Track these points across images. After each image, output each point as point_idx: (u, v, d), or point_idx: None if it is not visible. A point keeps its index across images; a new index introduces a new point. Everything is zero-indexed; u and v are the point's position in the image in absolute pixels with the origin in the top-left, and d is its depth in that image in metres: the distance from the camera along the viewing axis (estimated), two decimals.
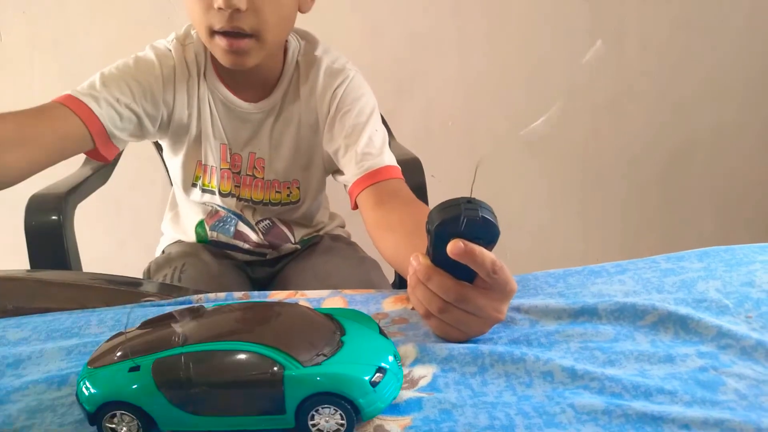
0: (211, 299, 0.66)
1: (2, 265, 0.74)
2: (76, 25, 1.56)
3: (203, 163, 0.94)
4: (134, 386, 0.43)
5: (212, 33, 0.79)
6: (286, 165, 0.95)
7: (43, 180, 0.97)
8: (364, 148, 0.85)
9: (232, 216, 0.99)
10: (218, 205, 0.98)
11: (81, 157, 1.09)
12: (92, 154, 0.84)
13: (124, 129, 0.84)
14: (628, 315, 0.57)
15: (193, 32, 0.89)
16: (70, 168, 1.07)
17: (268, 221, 1.00)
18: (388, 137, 0.91)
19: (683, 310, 0.56)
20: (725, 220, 1.92)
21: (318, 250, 1.04)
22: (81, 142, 0.80)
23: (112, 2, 1.56)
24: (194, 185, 0.97)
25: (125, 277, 0.78)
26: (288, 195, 0.98)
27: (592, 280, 0.65)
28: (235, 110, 0.91)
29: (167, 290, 0.76)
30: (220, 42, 0.79)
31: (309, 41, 0.94)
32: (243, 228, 1.00)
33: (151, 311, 0.63)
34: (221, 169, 0.95)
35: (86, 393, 0.44)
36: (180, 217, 1.06)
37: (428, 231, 0.52)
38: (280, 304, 0.52)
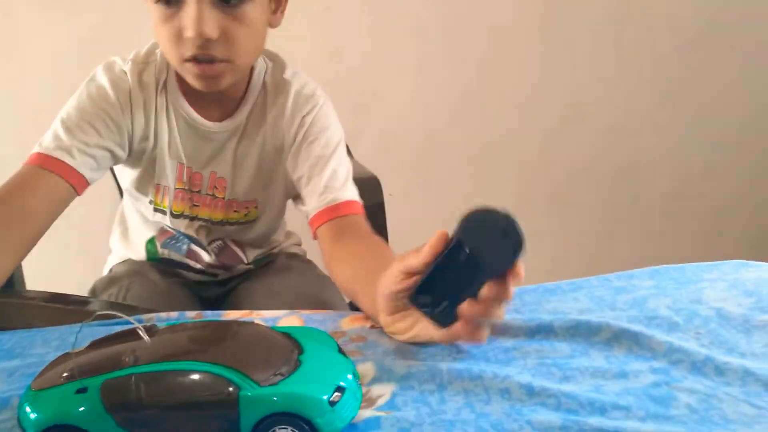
0: (162, 318, 0.64)
1: None
2: (87, 42, 1.51)
3: (156, 182, 0.92)
4: (81, 408, 0.42)
5: (184, 60, 0.78)
6: (248, 185, 0.93)
7: None
8: (328, 181, 0.84)
9: (183, 236, 0.97)
10: (167, 226, 0.96)
11: None
12: None
13: (100, 168, 0.83)
14: (583, 332, 0.58)
15: (158, 51, 0.87)
16: None
17: (220, 242, 0.98)
18: (351, 170, 0.90)
19: (636, 326, 0.58)
20: (674, 238, 1.98)
21: (273, 268, 1.03)
22: (67, 198, 0.79)
23: (124, 18, 1.51)
24: (150, 203, 0.94)
25: (72, 296, 0.75)
26: (246, 214, 0.96)
27: (547, 298, 0.66)
28: (198, 129, 0.89)
29: (117, 309, 0.74)
30: (192, 68, 0.78)
31: (276, 62, 0.93)
32: (195, 248, 0.98)
33: (100, 331, 0.61)
34: (175, 189, 0.92)
35: (29, 417, 0.42)
36: (129, 233, 1.03)
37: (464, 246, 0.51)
38: (235, 322, 0.51)
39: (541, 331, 0.58)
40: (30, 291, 0.87)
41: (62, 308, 0.69)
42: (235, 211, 0.95)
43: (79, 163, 0.79)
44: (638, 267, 0.73)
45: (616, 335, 0.57)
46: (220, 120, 0.89)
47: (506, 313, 0.61)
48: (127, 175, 0.94)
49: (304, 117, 0.88)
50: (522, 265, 0.53)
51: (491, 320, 0.54)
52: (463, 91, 1.77)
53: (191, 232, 0.96)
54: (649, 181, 1.93)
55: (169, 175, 0.91)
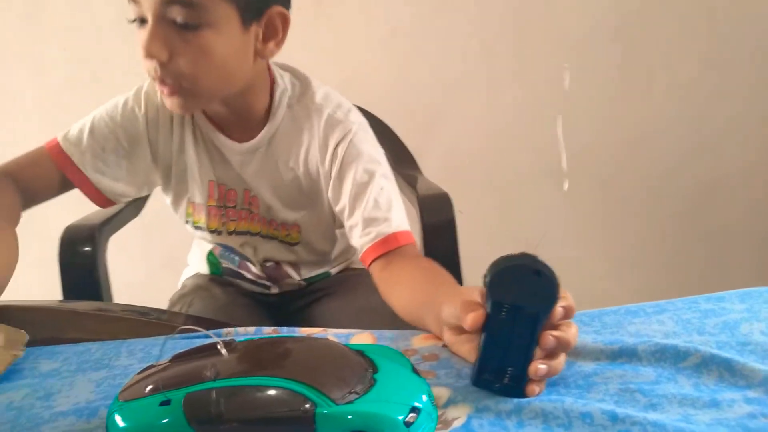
0: (240, 333, 0.65)
1: (36, 296, 0.74)
2: (113, 59, 1.60)
3: (191, 200, 0.94)
4: (165, 420, 0.43)
5: (152, 79, 0.78)
6: (282, 206, 0.93)
7: (77, 210, 0.99)
8: (369, 213, 0.82)
9: (232, 250, 0.99)
10: (215, 243, 0.98)
11: None
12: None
13: (113, 178, 0.88)
14: (670, 357, 0.55)
15: None
16: None
17: (272, 263, 0.99)
18: (396, 193, 0.86)
19: (727, 352, 0.54)
20: (755, 260, 1.87)
21: (339, 286, 1.03)
22: (63, 190, 0.87)
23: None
24: (187, 222, 0.97)
25: (155, 309, 0.78)
26: (286, 235, 0.96)
27: (629, 320, 0.63)
28: (222, 148, 0.89)
29: (198, 323, 0.76)
30: (158, 88, 0.78)
31: (304, 83, 0.90)
32: (244, 261, 1.00)
33: (181, 343, 0.63)
34: (208, 206, 0.94)
35: (117, 426, 0.43)
36: (196, 248, 1.07)
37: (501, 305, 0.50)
38: (311, 339, 0.52)
39: (624, 354, 0.56)
40: (116, 304, 0.91)
41: (146, 321, 0.72)
42: (275, 229, 0.95)
43: (88, 165, 0.85)
44: (724, 289, 0.69)
45: (706, 361, 0.54)
46: (243, 141, 0.88)
47: (586, 335, 0.60)
48: (168, 198, 0.97)
49: (336, 146, 0.85)
50: (568, 294, 0.52)
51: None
52: (531, 107, 1.74)
53: (237, 247, 0.98)
54: (731, 196, 1.83)
55: (199, 192, 0.92)
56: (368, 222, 0.81)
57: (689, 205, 1.83)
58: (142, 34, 0.74)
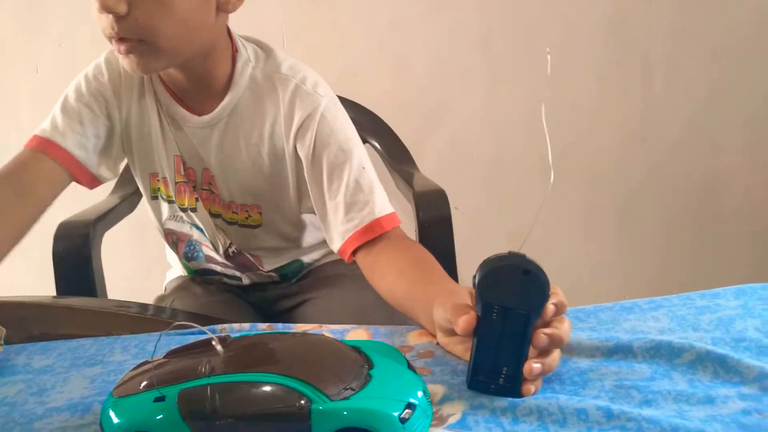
0: (235, 329, 0.65)
1: (30, 291, 0.74)
2: None
3: (159, 175, 0.90)
4: (159, 417, 0.43)
5: (110, 40, 0.74)
6: (241, 185, 0.88)
7: (71, 206, 0.98)
8: (351, 196, 0.78)
9: (196, 231, 0.94)
10: (187, 221, 0.93)
11: (109, 185, 1.11)
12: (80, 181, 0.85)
13: (94, 149, 0.84)
14: (665, 353, 0.55)
15: None
16: (99, 195, 1.08)
17: (234, 248, 0.95)
18: (374, 174, 0.81)
19: (722, 349, 0.54)
20: (761, 256, 1.87)
21: (321, 280, 0.99)
22: (63, 179, 0.82)
23: None
24: (155, 198, 0.93)
25: (148, 305, 0.78)
26: (246, 218, 0.91)
27: (625, 317, 0.63)
28: (181, 121, 0.85)
29: (193, 319, 0.76)
30: (114, 46, 0.74)
31: (270, 55, 0.85)
32: (209, 252, 0.95)
33: (176, 340, 0.62)
34: (177, 182, 0.89)
35: (111, 422, 0.43)
36: (169, 252, 1.04)
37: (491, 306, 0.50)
38: (306, 335, 0.51)
39: (619, 351, 0.56)
40: (110, 300, 0.91)
41: (140, 317, 0.72)
42: (233, 212, 0.91)
43: (71, 143, 0.80)
44: (720, 285, 0.69)
45: (701, 358, 0.54)
46: (202, 114, 0.84)
47: (581, 332, 0.60)
48: (134, 174, 0.93)
49: (304, 120, 0.80)
50: (558, 290, 0.51)
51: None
52: (530, 102, 1.74)
53: (206, 230, 0.93)
54: (727, 192, 1.84)
55: (166, 167, 0.88)
56: (350, 206, 0.77)
57: (685, 201, 1.84)
58: None
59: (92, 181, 0.85)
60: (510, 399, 0.50)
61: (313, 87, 0.82)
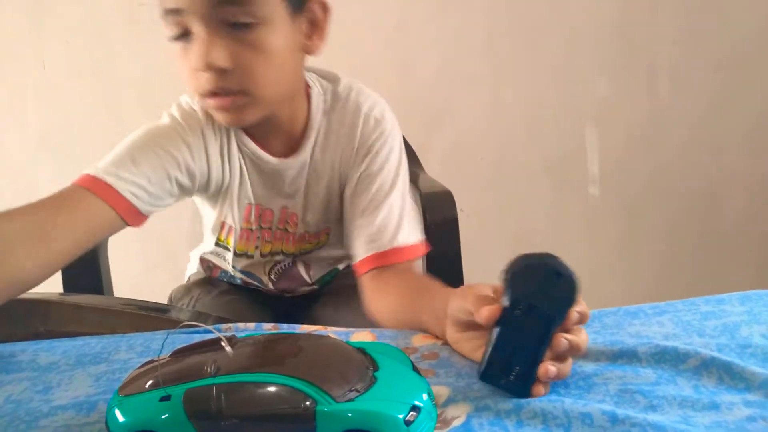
0: (240, 329, 0.65)
1: (37, 288, 0.74)
2: (116, 54, 1.61)
3: (222, 220, 0.90)
4: (164, 416, 0.43)
5: (203, 96, 0.73)
6: (318, 218, 0.89)
7: None
8: (381, 222, 0.80)
9: (238, 273, 0.96)
10: (224, 262, 0.95)
11: None
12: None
13: (156, 200, 0.77)
14: (670, 358, 0.55)
15: None
16: None
17: (283, 264, 0.95)
18: (409, 202, 0.84)
19: (727, 355, 0.54)
20: (763, 262, 1.87)
21: (346, 287, 0.99)
22: (111, 222, 0.73)
23: (150, 31, 1.60)
24: (216, 244, 0.94)
25: (155, 303, 0.78)
26: (317, 243, 0.93)
27: (629, 321, 0.63)
28: (264, 166, 0.84)
29: (198, 318, 0.76)
30: (212, 103, 0.73)
31: (334, 82, 0.86)
32: (249, 279, 0.97)
33: (181, 338, 0.63)
34: (241, 228, 0.89)
35: (117, 421, 0.43)
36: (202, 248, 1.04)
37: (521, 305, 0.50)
38: (312, 336, 0.52)
39: (624, 356, 0.56)
40: (116, 297, 0.91)
41: (146, 315, 0.72)
42: (307, 242, 0.92)
43: (129, 190, 0.72)
44: (722, 290, 0.69)
45: (706, 363, 0.54)
46: (286, 156, 0.83)
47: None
48: (207, 210, 0.93)
49: (371, 144, 0.83)
50: (582, 301, 0.52)
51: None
52: (538, 104, 1.74)
53: (254, 270, 0.94)
54: (731, 198, 1.83)
55: (236, 215, 0.87)
56: (378, 232, 0.79)
57: (688, 206, 1.83)
58: (188, 49, 0.69)
59: (136, 223, 0.78)
60: (514, 402, 0.50)
61: (381, 114, 0.84)
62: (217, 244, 0.93)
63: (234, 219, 0.88)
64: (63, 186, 0.73)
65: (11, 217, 0.65)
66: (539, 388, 0.50)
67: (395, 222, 0.80)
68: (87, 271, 0.93)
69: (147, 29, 1.60)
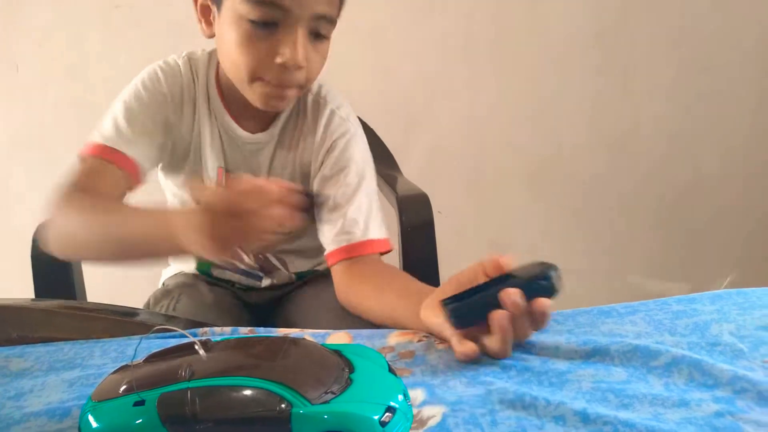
0: (216, 333, 0.65)
1: (7, 294, 0.73)
2: (89, 57, 1.59)
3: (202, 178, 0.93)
4: (138, 421, 0.42)
5: (256, 79, 0.79)
6: None
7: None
8: (352, 215, 0.85)
9: None
10: None
11: None
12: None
13: (151, 161, 0.87)
14: (641, 357, 0.56)
15: (207, 58, 0.89)
16: None
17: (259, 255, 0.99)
18: (376, 200, 0.90)
19: (697, 353, 0.55)
20: (733, 262, 1.90)
21: (321, 280, 1.02)
22: (126, 188, 0.84)
23: (124, 34, 1.59)
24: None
25: (129, 308, 0.77)
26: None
27: (602, 320, 0.64)
28: (235, 139, 0.90)
29: (173, 323, 0.76)
30: (263, 88, 0.80)
31: None
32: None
33: (156, 343, 0.62)
34: None
35: (90, 427, 0.43)
36: None
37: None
38: (288, 339, 0.51)
39: (597, 354, 0.57)
40: (89, 302, 0.90)
41: (120, 320, 0.71)
42: None
43: (137, 154, 0.83)
44: (698, 291, 0.70)
45: (676, 361, 0.55)
46: (256, 132, 0.90)
47: (560, 335, 0.60)
48: (171, 182, 0.95)
49: (335, 141, 0.89)
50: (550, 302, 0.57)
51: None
52: (512, 108, 1.76)
53: None
54: (709, 198, 1.87)
55: (212, 175, 0.92)
56: (345, 226, 0.84)
57: (666, 208, 1.86)
58: (268, 38, 0.76)
59: (139, 184, 0.88)
60: (490, 401, 0.50)
61: (347, 115, 0.91)
62: None
63: (210, 179, 0.92)
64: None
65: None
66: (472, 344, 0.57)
67: (364, 217, 0.86)
68: (58, 276, 0.91)
69: (120, 32, 1.59)
